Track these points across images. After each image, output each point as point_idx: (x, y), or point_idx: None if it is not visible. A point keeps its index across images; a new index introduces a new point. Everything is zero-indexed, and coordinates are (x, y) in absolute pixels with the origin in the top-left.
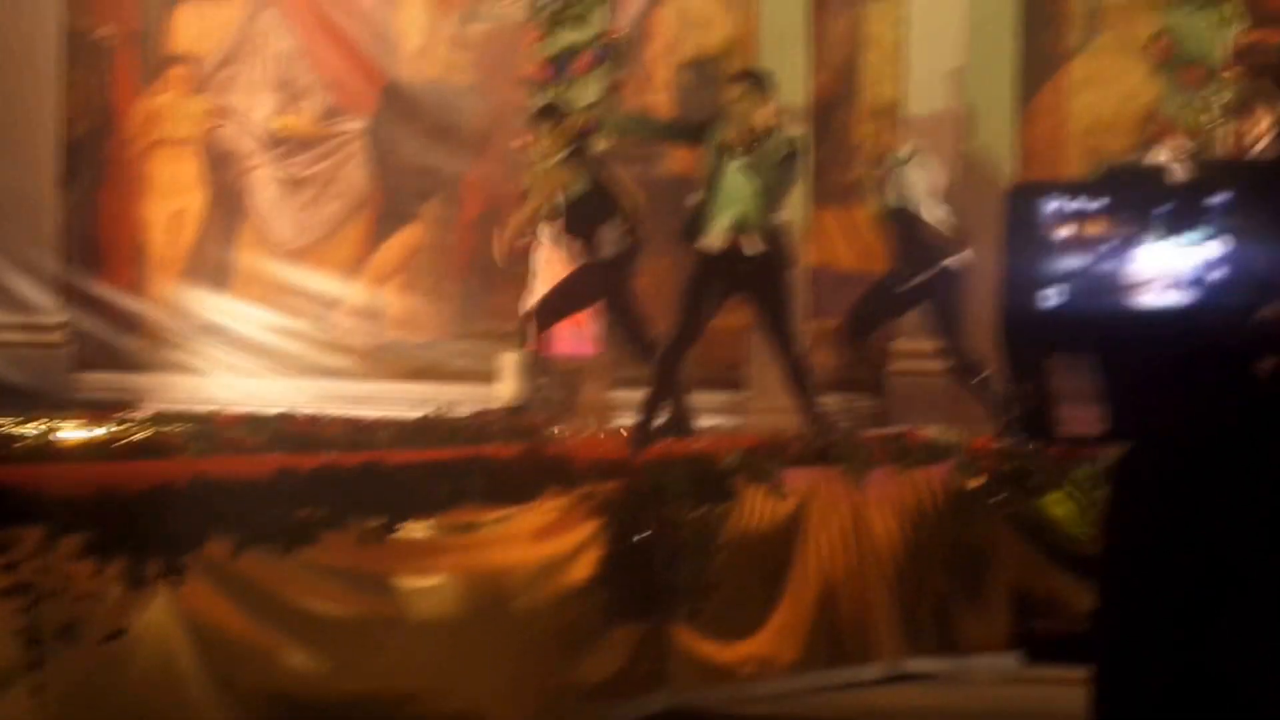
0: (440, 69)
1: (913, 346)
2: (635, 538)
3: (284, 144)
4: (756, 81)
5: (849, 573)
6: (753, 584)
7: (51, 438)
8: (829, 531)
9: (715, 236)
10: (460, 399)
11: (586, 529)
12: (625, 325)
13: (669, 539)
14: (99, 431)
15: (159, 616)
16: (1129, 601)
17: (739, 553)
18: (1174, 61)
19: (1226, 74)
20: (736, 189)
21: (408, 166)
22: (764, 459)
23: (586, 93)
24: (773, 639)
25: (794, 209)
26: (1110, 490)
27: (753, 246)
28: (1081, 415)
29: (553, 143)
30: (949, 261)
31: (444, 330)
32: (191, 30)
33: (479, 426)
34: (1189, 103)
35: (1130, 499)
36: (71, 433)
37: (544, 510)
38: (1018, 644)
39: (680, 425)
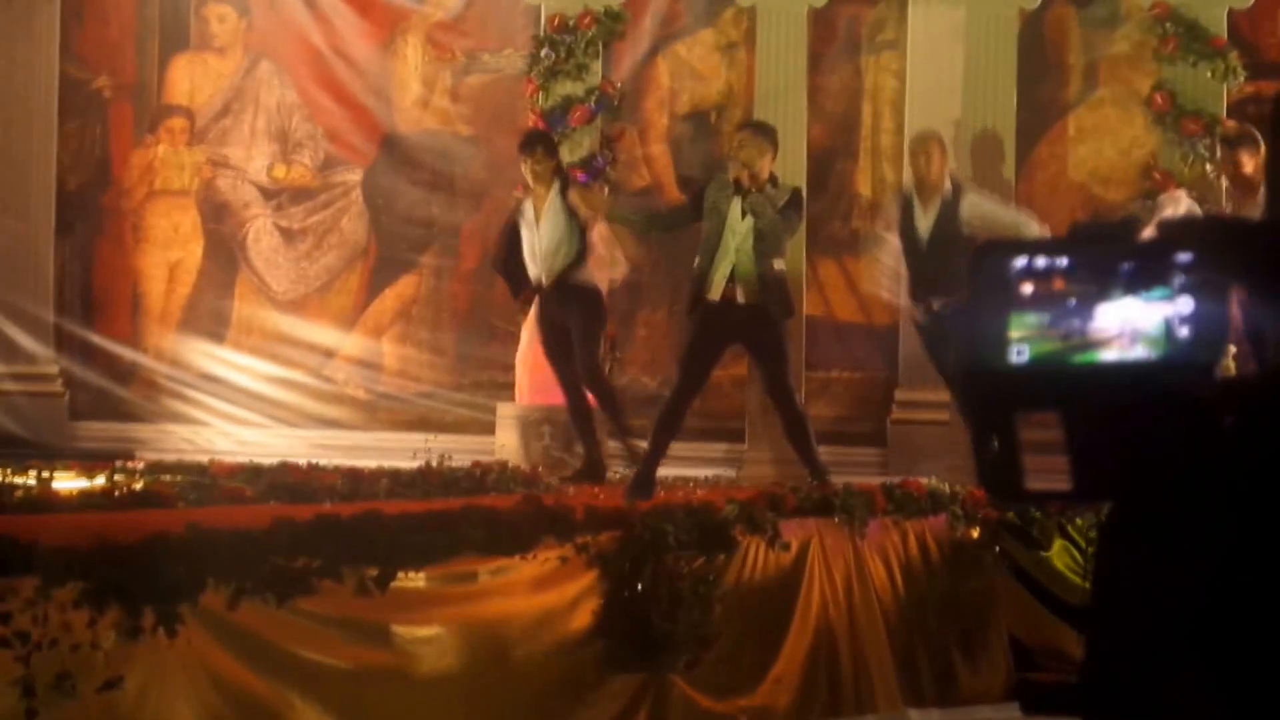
0: (438, 120)
1: (912, 396)
2: (634, 588)
3: (281, 195)
4: (761, 131)
5: (848, 623)
6: (751, 634)
7: (48, 487)
8: (828, 582)
9: (714, 286)
10: (458, 449)
11: (585, 579)
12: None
13: (667, 590)
14: (95, 481)
15: (155, 666)
16: (1114, 656)
17: (738, 603)
18: (1173, 114)
19: (1224, 126)
20: (734, 237)
21: (405, 217)
22: (763, 510)
23: (583, 144)
24: (771, 689)
25: (793, 259)
26: (1096, 546)
27: (747, 295)
28: (1047, 473)
29: (536, 179)
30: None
31: (441, 380)
32: (187, 82)
33: (477, 477)
34: (1188, 155)
35: (1112, 554)
36: (68, 482)
37: (542, 561)
38: (1016, 695)
39: (594, 473)
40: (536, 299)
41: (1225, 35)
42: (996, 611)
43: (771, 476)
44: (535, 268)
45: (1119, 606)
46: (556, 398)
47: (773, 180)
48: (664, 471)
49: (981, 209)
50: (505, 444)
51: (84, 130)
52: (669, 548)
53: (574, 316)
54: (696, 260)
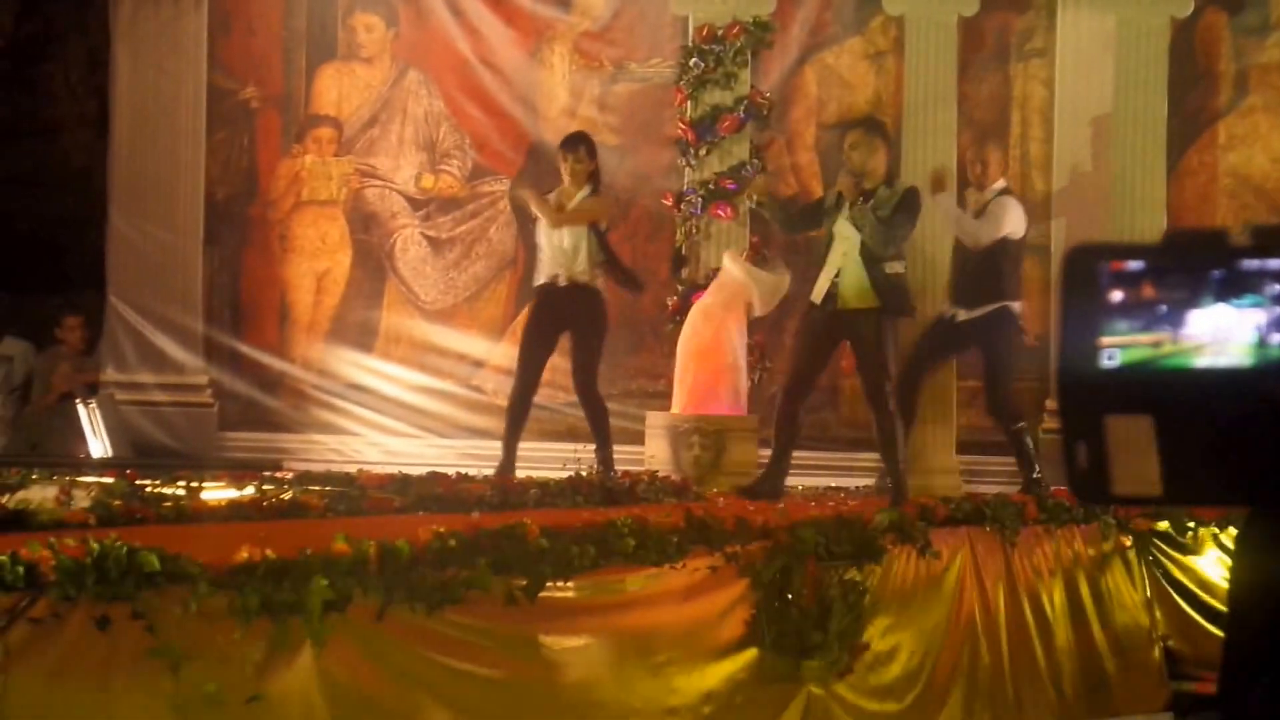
0: (586, 129)
1: None
2: (784, 598)
3: (429, 204)
4: (874, 129)
5: (999, 633)
6: (903, 644)
7: (197, 498)
8: (979, 592)
9: (818, 291)
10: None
11: (735, 589)
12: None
13: (818, 599)
14: (244, 492)
15: (301, 678)
16: (1248, 664)
17: (889, 613)
18: None
19: None
20: (841, 244)
21: None
22: (914, 519)
23: (732, 153)
24: (922, 699)
25: (936, 267)
26: (1233, 554)
27: (854, 300)
28: (1138, 476)
29: (572, 177)
30: (1010, 302)
31: None
32: (334, 92)
33: (626, 486)
34: None
35: (1242, 562)
36: (216, 493)
37: (692, 570)
38: (1171, 705)
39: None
40: (535, 297)
41: None
42: (1149, 621)
43: (923, 486)
44: (552, 265)
45: (1249, 614)
46: (707, 407)
47: (889, 181)
48: (815, 481)
49: (1003, 208)
50: (654, 454)
51: (231, 141)
52: (820, 557)
53: (578, 321)
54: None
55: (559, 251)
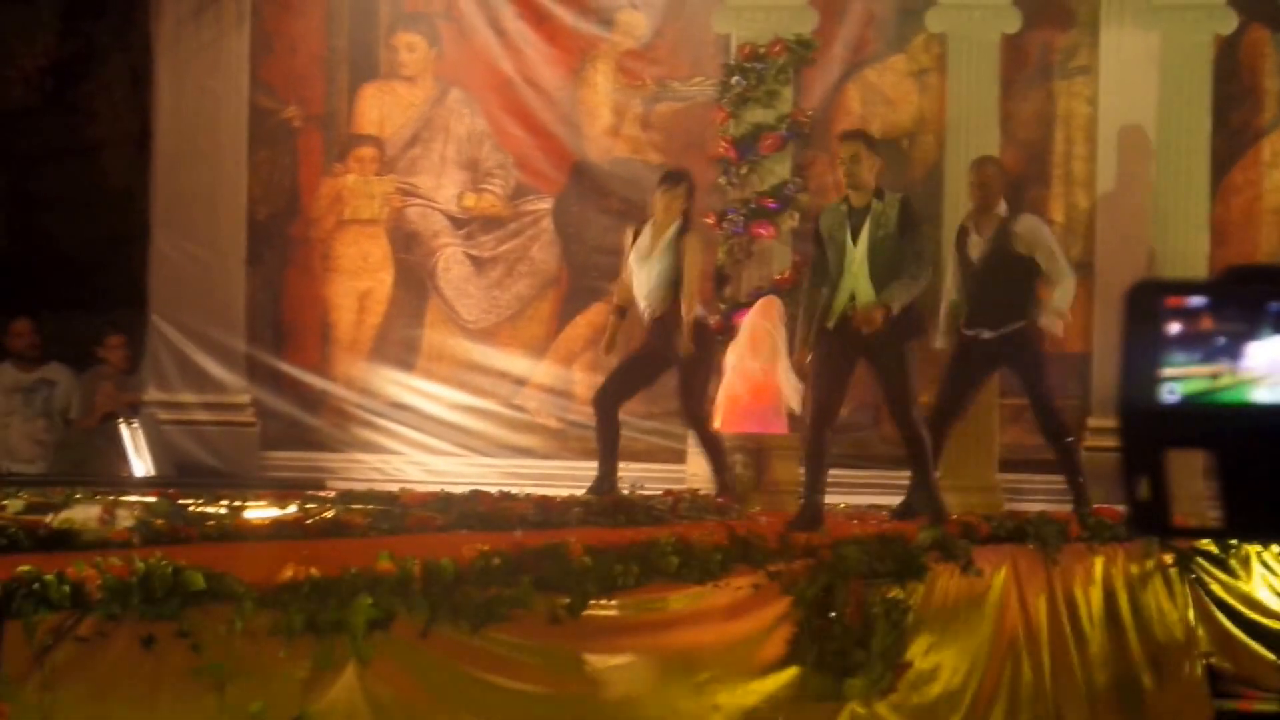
0: (629, 148)
1: (1105, 424)
2: (827, 616)
3: (471, 223)
4: (871, 143)
5: (1041, 650)
6: (945, 661)
7: (239, 517)
8: (1021, 609)
9: (833, 315)
10: (649, 477)
11: (778, 607)
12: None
13: (861, 617)
14: (286, 511)
15: (346, 696)
16: None
17: (932, 631)
18: None
19: None
20: (852, 263)
21: (596, 245)
22: (956, 537)
23: (775, 172)
24: (964, 716)
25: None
26: None
27: (867, 320)
28: (1198, 509)
29: (666, 212)
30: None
31: (633, 409)
32: (376, 111)
33: (669, 505)
34: None
35: None
36: (259, 512)
37: (735, 588)
38: None
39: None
40: (647, 330)
41: None
42: (1191, 638)
43: (964, 504)
44: (641, 301)
45: None
46: (750, 426)
47: (879, 193)
48: (857, 499)
49: (1035, 229)
50: (697, 472)
51: (273, 160)
52: (863, 575)
53: (679, 355)
54: (822, 290)
55: (645, 288)
